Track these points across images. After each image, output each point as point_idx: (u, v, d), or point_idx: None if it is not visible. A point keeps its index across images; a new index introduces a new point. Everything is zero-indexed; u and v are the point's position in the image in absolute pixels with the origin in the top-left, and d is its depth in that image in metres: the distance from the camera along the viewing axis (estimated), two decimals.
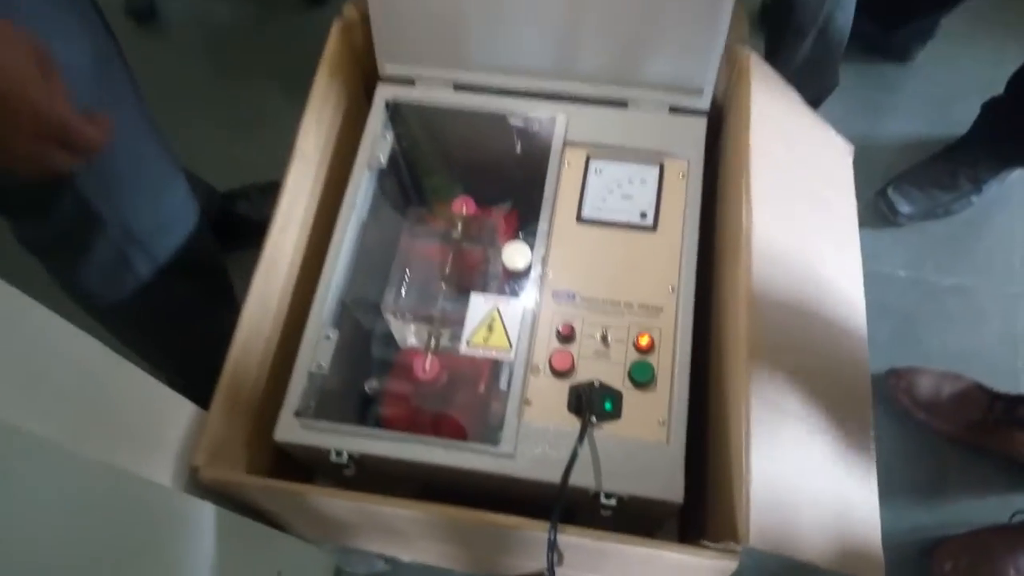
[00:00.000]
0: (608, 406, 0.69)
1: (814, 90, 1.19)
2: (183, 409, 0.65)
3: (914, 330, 1.21)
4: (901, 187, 1.26)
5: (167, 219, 0.80)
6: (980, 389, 1.11)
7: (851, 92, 1.34)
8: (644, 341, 0.71)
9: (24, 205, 0.69)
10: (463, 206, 0.83)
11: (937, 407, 1.11)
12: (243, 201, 1.24)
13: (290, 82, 1.46)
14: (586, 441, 0.67)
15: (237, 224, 1.22)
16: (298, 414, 0.70)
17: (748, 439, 0.62)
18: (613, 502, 0.65)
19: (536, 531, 0.62)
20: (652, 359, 0.71)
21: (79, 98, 0.63)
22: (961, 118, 1.28)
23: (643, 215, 0.78)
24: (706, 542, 0.61)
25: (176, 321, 0.90)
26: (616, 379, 0.70)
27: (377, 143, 0.82)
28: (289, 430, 0.69)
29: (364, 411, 0.82)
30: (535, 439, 0.67)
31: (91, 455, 0.51)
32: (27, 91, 0.50)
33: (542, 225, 0.77)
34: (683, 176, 0.80)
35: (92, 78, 0.66)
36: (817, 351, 0.74)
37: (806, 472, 0.66)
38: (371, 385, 0.79)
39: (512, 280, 0.77)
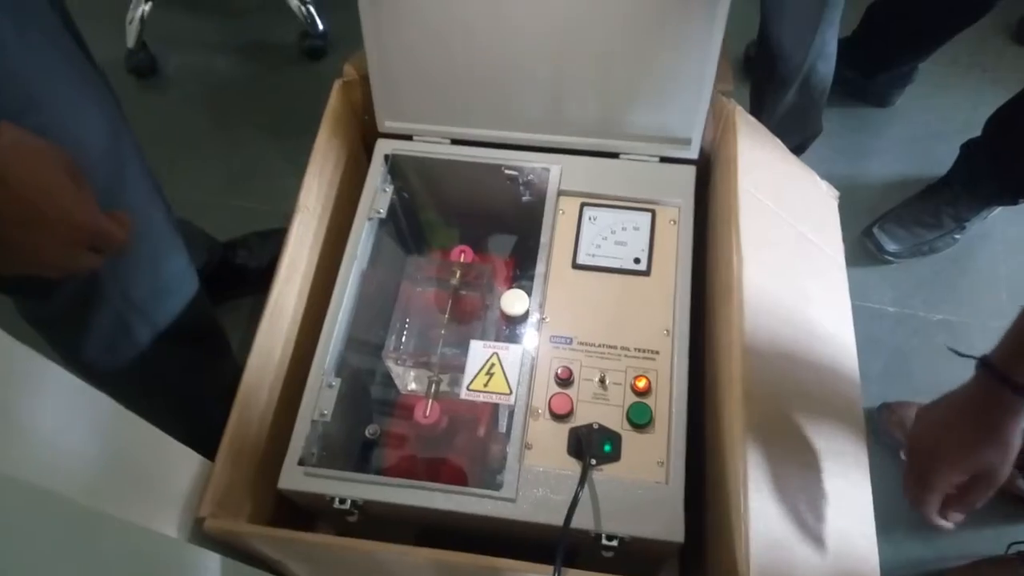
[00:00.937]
0: (607, 448, 0.70)
1: (798, 137, 1.22)
2: (188, 460, 0.66)
3: (905, 365, 1.22)
4: (886, 226, 1.29)
5: (168, 285, 0.81)
6: None
7: (835, 136, 1.38)
8: (641, 383, 0.72)
9: (31, 287, 0.71)
10: (461, 254, 0.85)
11: None
12: (243, 250, 1.26)
13: (288, 134, 1.49)
14: (587, 483, 0.67)
15: (237, 272, 1.23)
16: (302, 462, 0.71)
17: (745, 479, 0.63)
18: (615, 543, 0.66)
19: (539, 575, 0.62)
20: (649, 401, 0.72)
21: (98, 176, 0.65)
22: (941, 159, 1.32)
23: (636, 260, 0.80)
24: None
25: (176, 382, 0.90)
26: (615, 421, 0.71)
27: (377, 195, 0.85)
28: (293, 479, 0.70)
29: (366, 456, 0.82)
30: (536, 482, 0.68)
31: (99, 508, 0.52)
32: (63, 204, 0.53)
33: (539, 271, 0.79)
34: (674, 222, 0.82)
35: (108, 154, 0.68)
36: (810, 390, 0.75)
37: (804, 509, 0.67)
38: (372, 430, 0.80)
39: (510, 325, 0.79)
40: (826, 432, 0.74)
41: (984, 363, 0.58)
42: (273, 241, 1.25)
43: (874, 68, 1.40)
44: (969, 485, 0.61)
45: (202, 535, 0.65)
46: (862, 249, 1.32)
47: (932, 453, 0.61)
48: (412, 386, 0.82)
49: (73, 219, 0.54)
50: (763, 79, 1.11)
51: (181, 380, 0.90)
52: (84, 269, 0.57)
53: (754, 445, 0.66)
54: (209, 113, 1.55)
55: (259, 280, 0.76)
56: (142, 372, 0.82)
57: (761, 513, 0.62)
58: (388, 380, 0.83)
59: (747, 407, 0.67)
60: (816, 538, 0.67)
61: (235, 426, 0.70)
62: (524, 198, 0.88)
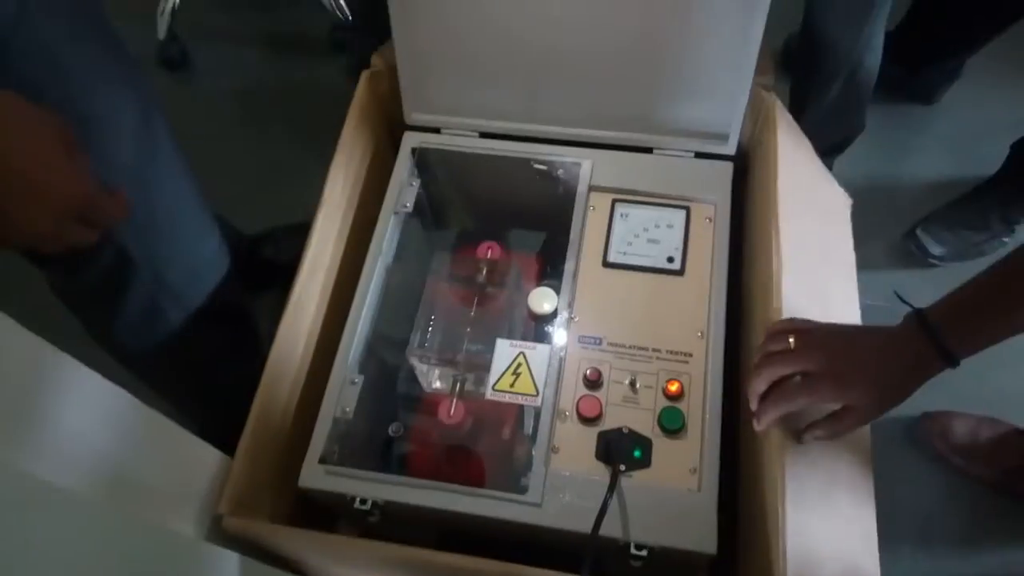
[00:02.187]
0: (637, 454, 0.67)
1: (840, 134, 1.18)
2: (208, 456, 0.65)
3: (947, 372, 1.17)
4: (930, 228, 1.24)
5: (200, 267, 0.81)
6: (1018, 434, 1.07)
7: (876, 133, 1.32)
8: (673, 387, 0.70)
9: (64, 259, 0.70)
10: (488, 250, 0.83)
11: (974, 452, 1.07)
12: (269, 244, 1.25)
13: (318, 128, 1.46)
14: (615, 490, 0.65)
15: (263, 267, 1.23)
16: (323, 460, 0.70)
17: (784, 491, 0.60)
18: (644, 553, 0.63)
19: None
20: (682, 405, 0.69)
21: (127, 152, 0.64)
22: (989, 158, 1.26)
23: (670, 259, 0.77)
24: None
25: (205, 367, 0.90)
26: (645, 426, 0.69)
27: (404, 189, 0.83)
28: (313, 477, 0.69)
29: (388, 454, 0.80)
30: (563, 487, 0.66)
31: (116, 505, 0.50)
32: (53, 174, 0.51)
33: (568, 269, 0.77)
34: (710, 220, 0.79)
35: (137, 133, 0.67)
36: None
37: (830, 524, 0.64)
38: (395, 428, 0.79)
39: (538, 324, 0.77)
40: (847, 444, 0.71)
41: (919, 315, 0.56)
42: (299, 235, 1.23)
43: (920, 62, 1.35)
44: (838, 414, 0.60)
45: (220, 533, 0.63)
46: (903, 252, 1.27)
47: (831, 368, 0.58)
48: (436, 384, 0.81)
49: (63, 190, 0.52)
50: (806, 74, 1.07)
51: (211, 363, 0.90)
52: (78, 242, 0.56)
53: (794, 456, 0.63)
54: (239, 106, 1.55)
55: (285, 275, 0.75)
56: (173, 354, 0.82)
57: (800, 528, 0.59)
58: (412, 378, 0.81)
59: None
60: (838, 554, 0.64)
61: (256, 421, 0.69)
62: (554, 193, 0.85)
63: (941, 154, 1.39)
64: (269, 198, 1.38)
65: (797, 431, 0.62)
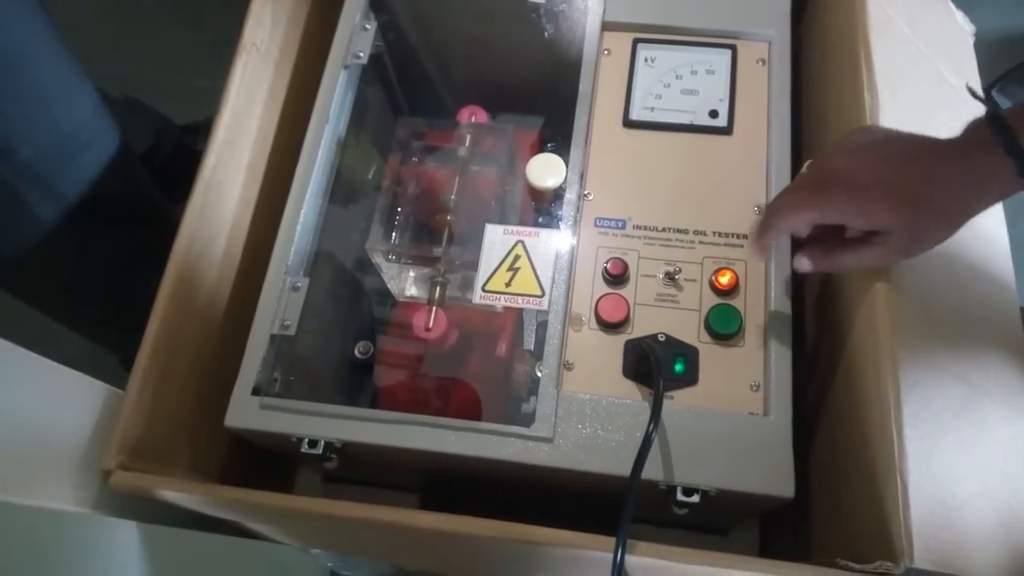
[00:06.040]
0: (679, 367, 0.52)
1: None
2: (90, 393, 0.47)
3: None
4: (1008, 89, 1.06)
5: (69, 138, 0.62)
6: None
7: None
8: (725, 279, 0.54)
9: None
10: (472, 115, 0.66)
11: None
12: (204, 135, 1.04)
13: None
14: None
15: (198, 161, 1.03)
16: (257, 391, 0.52)
17: (899, 407, 0.43)
18: (695, 499, 0.48)
19: (591, 550, 0.43)
20: (737, 302, 0.54)
21: None
22: None
23: (713, 114, 0.61)
24: (847, 562, 0.42)
25: (105, 284, 0.71)
26: (688, 331, 0.53)
27: (356, 34, 0.64)
28: (244, 414, 0.51)
29: (351, 381, 0.64)
30: (580, 415, 0.50)
31: None
32: None
33: (578, 132, 0.60)
34: (763, 62, 0.62)
35: None
36: (964, 285, 0.54)
37: (969, 450, 0.48)
38: (363, 348, 0.62)
39: (540, 205, 0.60)
40: (984, 344, 0.54)
41: (991, 115, 0.43)
42: None
43: None
44: (866, 239, 0.45)
45: (112, 499, 0.45)
46: None
47: (852, 175, 0.45)
48: (411, 291, 0.63)
49: None
50: None
51: (118, 276, 0.72)
52: None
53: (907, 359, 0.46)
54: None
55: None
56: (52, 264, 0.65)
57: (925, 460, 0.42)
58: (378, 282, 0.63)
59: (894, 304, 0.47)
60: (985, 490, 0.47)
61: (158, 341, 0.50)
62: (555, 35, 0.67)
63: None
64: (207, 84, 1.15)
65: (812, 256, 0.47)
